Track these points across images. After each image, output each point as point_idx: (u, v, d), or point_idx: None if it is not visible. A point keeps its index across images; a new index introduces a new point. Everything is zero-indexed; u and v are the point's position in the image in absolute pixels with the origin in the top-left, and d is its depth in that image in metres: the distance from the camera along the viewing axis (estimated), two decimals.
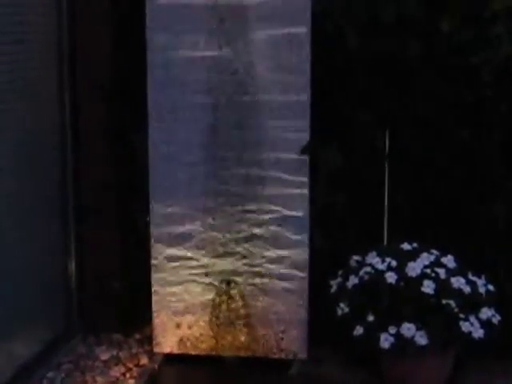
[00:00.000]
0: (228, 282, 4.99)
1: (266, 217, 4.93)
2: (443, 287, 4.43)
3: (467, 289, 4.44)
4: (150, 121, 4.95)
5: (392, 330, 4.35)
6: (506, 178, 4.84)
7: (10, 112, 4.67)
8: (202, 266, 5.03)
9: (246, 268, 4.99)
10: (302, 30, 4.73)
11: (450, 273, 4.51)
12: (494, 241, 4.89)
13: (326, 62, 4.84)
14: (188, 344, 5.06)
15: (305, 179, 4.85)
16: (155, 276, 5.05)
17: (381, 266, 4.54)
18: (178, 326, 5.06)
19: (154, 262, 5.05)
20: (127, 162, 5.27)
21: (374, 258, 4.63)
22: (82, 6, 5.22)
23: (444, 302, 4.38)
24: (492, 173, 4.87)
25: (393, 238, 4.96)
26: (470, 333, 4.33)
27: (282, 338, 4.97)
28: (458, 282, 4.45)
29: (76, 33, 5.25)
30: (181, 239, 5.03)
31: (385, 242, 5.01)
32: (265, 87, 4.84)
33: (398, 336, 4.34)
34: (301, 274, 4.94)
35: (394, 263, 4.54)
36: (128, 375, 4.88)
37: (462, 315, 4.36)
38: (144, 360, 5.09)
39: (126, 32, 5.18)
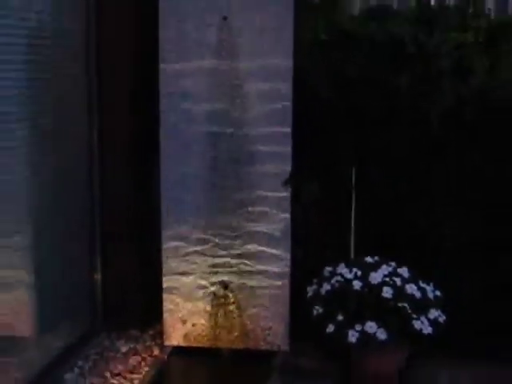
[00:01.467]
0: (225, 287, 4.94)
1: (257, 229, 4.89)
2: (399, 292, 4.40)
3: (418, 294, 4.42)
4: (161, 146, 4.89)
5: (358, 327, 4.32)
6: (456, 204, 4.81)
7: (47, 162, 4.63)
8: (202, 278, 4.99)
9: (239, 278, 4.95)
10: (286, 85, 4.68)
11: (405, 281, 4.48)
12: (441, 255, 4.85)
13: (304, 113, 4.78)
14: (191, 338, 5.02)
15: (287, 205, 4.81)
16: (165, 280, 5.02)
17: (349, 276, 4.51)
18: (184, 323, 5.02)
19: (165, 270, 5.00)
20: (144, 198, 5.23)
21: (343, 269, 4.60)
22: (108, 52, 5.14)
23: (400, 304, 4.35)
24: (442, 199, 4.85)
25: (358, 253, 4.93)
26: (421, 330, 4.31)
27: (269, 334, 4.94)
28: (411, 288, 4.43)
29: (102, 86, 5.17)
30: (185, 249, 4.98)
31: (352, 256, 4.98)
32: (256, 139, 4.78)
33: (362, 332, 4.31)
34: (284, 283, 4.91)
35: (359, 273, 4.51)
36: (143, 364, 4.85)
37: (414, 315, 4.34)
38: (156, 351, 5.05)
39: (140, 98, 5.13)
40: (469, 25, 4.70)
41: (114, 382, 4.56)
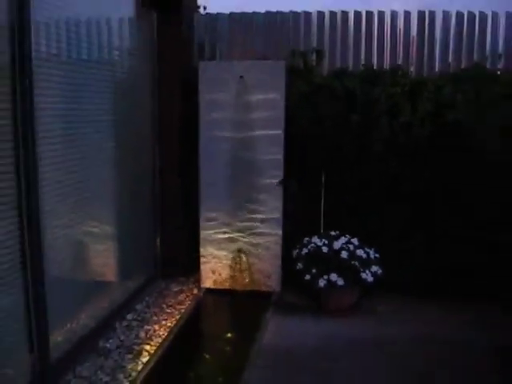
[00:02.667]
0: (239, 250, 4.91)
1: (260, 213, 4.84)
2: (352, 254, 4.38)
3: (364, 255, 4.41)
4: (200, 163, 4.85)
5: (325, 277, 4.31)
6: (387, 197, 4.76)
7: (129, 167, 4.54)
8: (226, 241, 4.93)
9: (249, 244, 4.89)
10: (279, 123, 4.65)
11: (356, 247, 4.46)
12: (379, 229, 4.77)
13: (290, 137, 4.73)
14: (218, 283, 4.98)
15: (280, 197, 4.78)
16: (202, 247, 4.97)
17: (319, 243, 4.49)
18: (214, 272, 4.98)
19: (201, 238, 4.96)
20: (189, 183, 5.07)
21: (315, 239, 4.57)
22: (165, 83, 5.01)
23: (352, 262, 4.35)
24: (378, 193, 4.77)
25: (326, 229, 4.83)
26: (366, 279, 4.32)
27: (268, 279, 4.89)
28: (359, 252, 4.41)
29: (161, 103, 5.11)
30: (216, 226, 4.92)
31: (322, 230, 4.86)
32: (260, 153, 4.73)
33: (328, 280, 4.30)
34: (277, 247, 4.84)
35: (326, 242, 4.49)
36: (187, 299, 4.81)
37: (361, 269, 4.34)
38: (195, 291, 4.99)
39: (189, 116, 4.97)
40: (398, 82, 4.63)
41: (168, 310, 4.53)
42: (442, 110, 4.53)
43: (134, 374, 3.44)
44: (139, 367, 3.52)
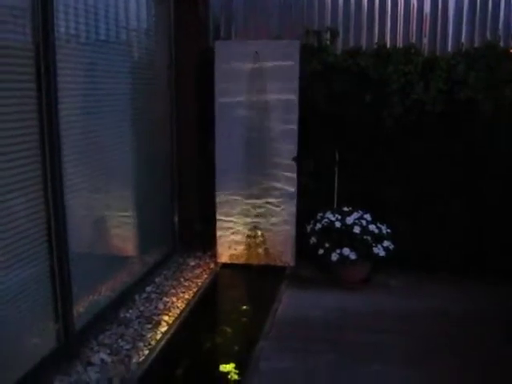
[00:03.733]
0: (255, 226, 5.01)
1: (275, 190, 4.93)
2: (364, 229, 4.48)
3: (376, 230, 4.50)
4: (216, 143, 4.95)
5: (338, 251, 4.42)
6: (399, 176, 4.84)
7: (146, 139, 4.67)
8: (242, 215, 5.04)
9: (264, 220, 4.99)
10: (294, 97, 4.74)
11: (368, 222, 4.55)
12: (388, 208, 4.82)
13: (305, 115, 4.81)
14: (234, 258, 5.10)
15: (294, 174, 4.88)
16: (218, 223, 5.07)
17: (332, 218, 4.58)
18: (230, 248, 5.10)
19: (217, 215, 5.07)
20: (206, 161, 5.13)
21: (329, 214, 4.65)
22: (182, 63, 5.09)
23: (365, 237, 4.45)
24: (391, 172, 4.85)
25: (339, 204, 4.89)
26: (378, 253, 4.42)
27: (283, 254, 4.99)
28: (372, 227, 4.51)
29: (180, 97, 5.18)
30: (232, 202, 5.02)
31: (335, 206, 4.92)
32: (275, 131, 4.82)
33: (341, 254, 4.41)
34: (292, 222, 4.94)
35: (339, 217, 4.58)
36: (204, 273, 4.94)
37: (373, 244, 4.44)
38: (212, 265, 5.11)
39: (204, 96, 5.06)
40: (411, 60, 4.66)
41: (186, 283, 4.68)
42: (454, 88, 4.57)
43: (153, 342, 3.60)
44: (158, 336, 3.69)
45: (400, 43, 4.96)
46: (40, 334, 3.19)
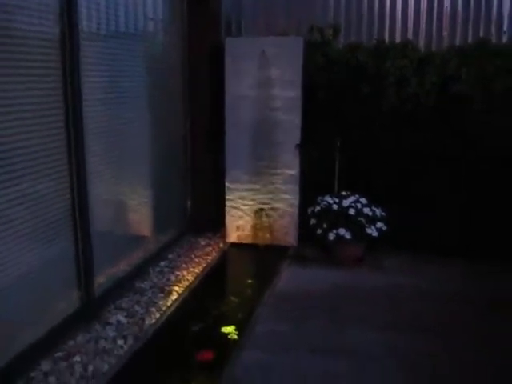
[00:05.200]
0: (261, 209, 5.41)
1: (280, 175, 5.32)
2: (359, 212, 4.83)
3: (370, 213, 4.85)
4: (226, 131, 5.33)
5: (334, 231, 4.79)
6: (393, 160, 5.16)
7: (161, 128, 5.06)
8: (249, 199, 5.43)
9: (269, 203, 5.38)
10: (298, 89, 5.12)
11: (363, 205, 4.89)
12: (387, 191, 5.15)
13: (307, 105, 5.18)
14: (242, 238, 5.50)
15: (298, 161, 5.25)
16: (228, 205, 5.48)
17: (331, 201, 4.93)
18: (237, 228, 5.50)
19: (227, 198, 5.46)
20: (216, 148, 5.53)
21: (328, 198, 5.00)
22: (196, 78, 5.49)
23: (359, 218, 4.80)
24: (387, 158, 5.18)
25: (339, 190, 5.20)
26: (371, 234, 4.78)
27: (286, 235, 5.38)
28: (366, 209, 4.85)
29: (193, 87, 5.56)
30: (240, 186, 5.41)
31: (336, 190, 5.22)
32: (280, 121, 5.19)
33: (337, 234, 4.78)
34: (295, 205, 5.32)
35: (337, 200, 4.94)
36: (213, 251, 5.34)
37: (367, 225, 4.79)
38: (221, 244, 5.51)
39: (215, 87, 5.43)
40: (407, 55, 4.99)
41: (196, 260, 5.10)
42: (447, 82, 4.91)
43: (164, 308, 4.06)
44: (169, 303, 4.15)
45: (398, 39, 5.30)
46: (66, 299, 3.66)
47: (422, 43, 5.31)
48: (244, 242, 5.51)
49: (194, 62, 5.46)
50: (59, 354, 3.35)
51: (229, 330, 3.71)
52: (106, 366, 3.25)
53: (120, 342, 3.54)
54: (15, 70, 3.03)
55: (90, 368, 3.21)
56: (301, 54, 5.05)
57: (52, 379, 3.08)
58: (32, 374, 3.12)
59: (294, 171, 5.27)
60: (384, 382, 3.12)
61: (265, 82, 5.14)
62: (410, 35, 5.34)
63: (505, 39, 5.19)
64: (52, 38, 3.34)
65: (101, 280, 4.04)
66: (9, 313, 3.06)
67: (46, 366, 3.21)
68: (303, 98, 5.11)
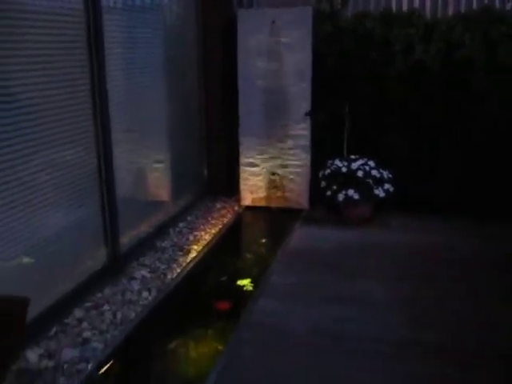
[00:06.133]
0: (273, 173, 5.66)
1: (291, 141, 5.55)
2: (367, 174, 5.04)
3: (378, 175, 5.06)
4: (239, 96, 5.55)
5: (343, 192, 5.02)
6: (398, 127, 5.35)
7: (178, 96, 5.29)
8: (262, 164, 5.66)
9: (282, 167, 5.61)
10: (308, 58, 5.32)
11: (371, 168, 5.10)
12: (394, 154, 5.36)
13: (317, 73, 5.34)
14: (256, 201, 5.76)
15: (308, 126, 5.47)
16: (242, 170, 5.73)
17: (340, 164, 5.14)
18: (252, 192, 5.76)
19: (241, 164, 5.71)
20: (230, 115, 5.78)
21: (337, 161, 5.20)
22: (210, 48, 5.71)
23: (367, 180, 5.02)
24: (392, 122, 5.37)
25: (348, 153, 5.40)
26: (378, 194, 5.01)
27: (298, 198, 5.62)
28: (374, 172, 5.06)
29: (208, 56, 5.80)
30: (253, 151, 5.66)
31: (345, 154, 5.41)
32: (291, 88, 5.40)
33: (346, 195, 5.01)
34: (306, 169, 5.55)
35: (346, 163, 5.14)
36: (228, 213, 5.62)
37: (375, 186, 5.01)
38: (236, 208, 5.79)
39: (229, 57, 5.63)
40: (413, 23, 5.16)
41: (213, 222, 5.38)
42: (451, 49, 5.08)
43: (184, 264, 4.37)
44: (188, 260, 4.45)
45: (404, 8, 5.48)
46: (94, 255, 3.97)
47: (428, 12, 5.44)
48: (258, 205, 5.76)
49: (208, 33, 5.67)
50: (90, 303, 3.65)
51: (244, 282, 4.00)
52: (132, 314, 3.55)
53: (145, 293, 3.85)
54: (47, 44, 3.29)
55: (119, 315, 3.52)
56: (310, 24, 5.22)
57: (85, 324, 3.39)
58: (66, 320, 3.42)
59: (304, 137, 5.49)
60: (390, 324, 3.39)
61: (276, 52, 5.35)
62: (416, 4, 5.49)
63: (509, 7, 5.30)
64: (78, 14, 3.59)
65: (125, 239, 4.34)
66: (47, 266, 3.37)
67: (78, 313, 3.52)
68: (313, 65, 5.29)
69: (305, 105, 5.41)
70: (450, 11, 5.45)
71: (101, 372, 2.93)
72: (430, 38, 5.16)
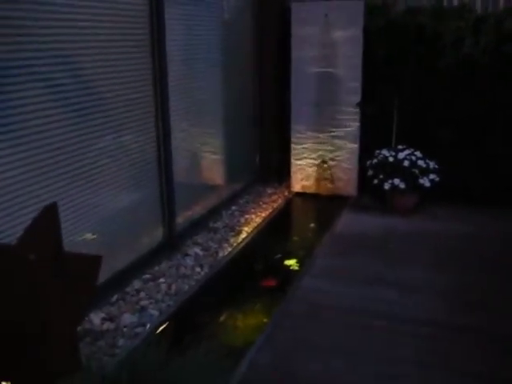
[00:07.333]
0: (323, 161, 5.85)
1: (341, 130, 5.75)
2: (413, 164, 5.15)
3: (424, 165, 5.15)
4: (292, 90, 5.77)
5: (390, 181, 5.14)
6: (447, 117, 5.43)
7: (235, 91, 5.51)
8: (312, 152, 5.88)
9: (331, 155, 5.80)
10: (358, 53, 5.49)
11: (417, 158, 5.19)
12: (440, 146, 5.44)
13: (367, 65, 5.49)
14: (306, 188, 5.96)
15: (358, 117, 5.64)
16: (293, 157, 5.94)
17: (387, 154, 5.26)
18: (302, 180, 5.97)
19: (292, 150, 5.93)
20: (283, 104, 6.03)
21: (385, 151, 5.33)
22: (265, 39, 5.95)
23: (413, 170, 5.12)
24: (441, 115, 5.45)
25: (396, 144, 5.49)
26: (423, 184, 5.10)
27: (347, 185, 5.80)
28: (420, 162, 5.16)
29: (261, 44, 6.03)
30: (304, 140, 5.86)
31: (393, 145, 5.52)
32: (342, 80, 5.59)
33: (392, 184, 5.12)
34: (355, 159, 5.73)
35: (393, 153, 5.26)
36: (279, 199, 5.85)
37: (420, 176, 5.11)
38: (286, 193, 6.01)
39: (283, 48, 5.88)
40: (463, 17, 5.23)
41: (263, 206, 5.62)
42: (501, 42, 5.12)
43: (234, 244, 4.63)
44: (239, 240, 4.71)
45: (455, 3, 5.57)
46: (152, 233, 4.27)
47: (479, 6, 5.50)
48: (307, 191, 5.96)
49: (264, 24, 5.90)
50: (147, 276, 3.96)
51: (291, 262, 4.23)
52: (186, 287, 3.83)
53: (197, 269, 4.13)
54: (115, 30, 3.57)
55: (173, 287, 3.81)
56: (362, 17, 5.38)
57: (142, 294, 3.70)
58: (126, 290, 3.74)
59: (354, 127, 5.66)
60: (429, 308, 3.56)
61: (327, 43, 5.52)
62: None
63: None
64: (141, 3, 3.85)
65: (180, 220, 4.62)
66: (111, 241, 3.69)
67: (137, 284, 3.83)
68: (363, 58, 5.44)
69: (355, 96, 5.56)
70: (501, 5, 5.46)
71: (156, 334, 3.21)
72: (480, 31, 5.21)
